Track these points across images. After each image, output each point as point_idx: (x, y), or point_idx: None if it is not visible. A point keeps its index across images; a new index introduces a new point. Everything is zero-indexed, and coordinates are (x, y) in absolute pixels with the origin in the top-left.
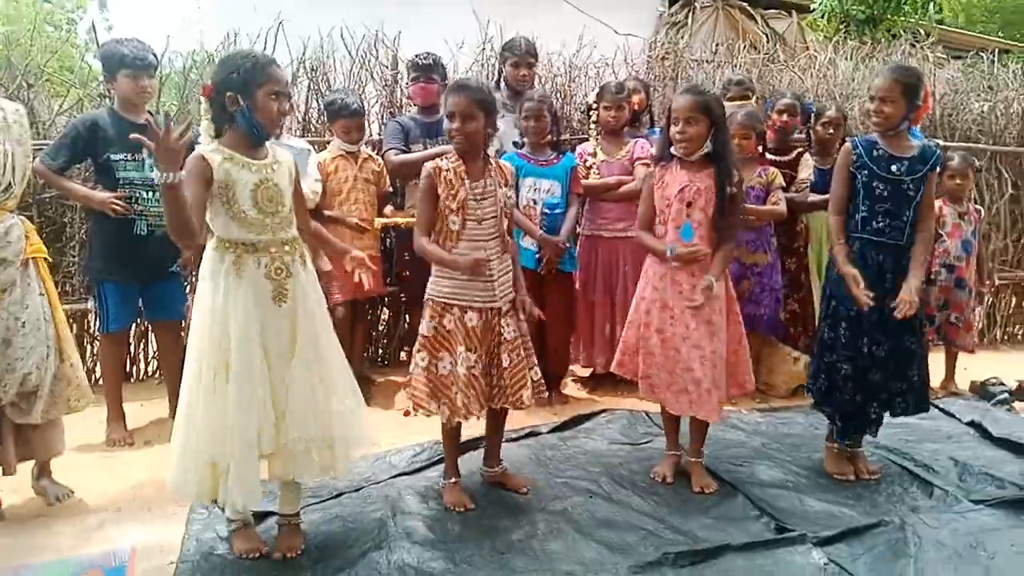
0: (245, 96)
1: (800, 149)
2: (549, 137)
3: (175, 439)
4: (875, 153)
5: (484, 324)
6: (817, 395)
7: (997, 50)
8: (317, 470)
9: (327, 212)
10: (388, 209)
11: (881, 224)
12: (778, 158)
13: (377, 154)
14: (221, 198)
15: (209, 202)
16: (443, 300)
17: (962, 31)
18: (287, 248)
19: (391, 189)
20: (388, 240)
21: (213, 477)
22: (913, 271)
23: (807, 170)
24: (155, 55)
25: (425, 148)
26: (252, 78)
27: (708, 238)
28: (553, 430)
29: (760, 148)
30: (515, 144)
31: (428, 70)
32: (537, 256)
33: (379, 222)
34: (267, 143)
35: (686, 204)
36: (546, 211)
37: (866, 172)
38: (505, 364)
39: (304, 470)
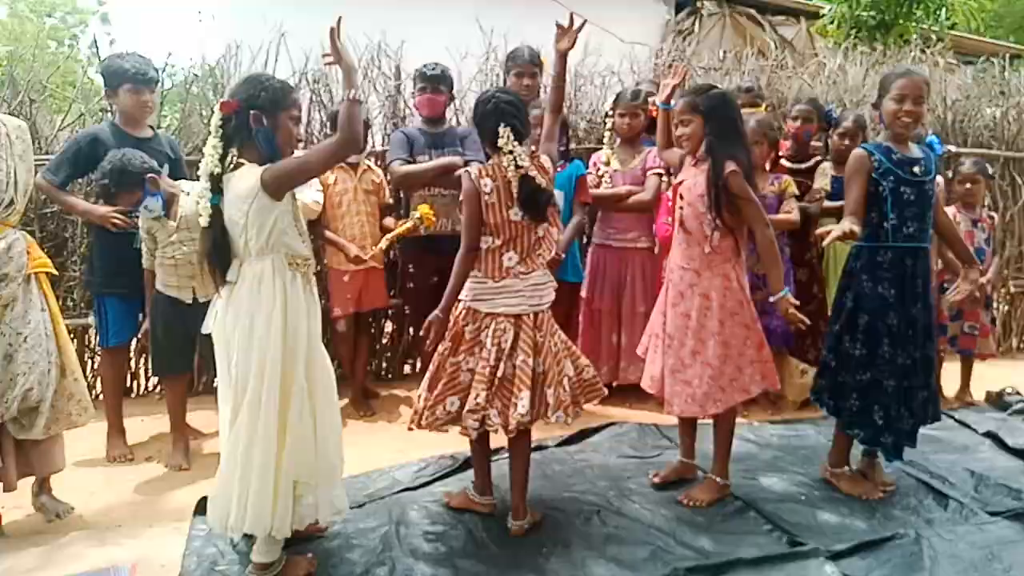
0: (269, 116)
1: (818, 157)
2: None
3: (253, 477)
4: (895, 157)
5: None
6: (849, 416)
7: (1008, 55)
8: None
9: (328, 234)
10: (389, 220)
11: (911, 229)
12: (795, 166)
13: (377, 164)
14: (292, 212)
15: (272, 217)
16: None
17: (973, 36)
18: None
19: (391, 200)
20: (392, 252)
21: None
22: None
23: (823, 179)
24: (156, 69)
25: (431, 159)
26: (278, 99)
27: (699, 233)
28: (561, 444)
29: (773, 155)
30: None
31: (436, 81)
32: None
33: (381, 246)
34: None
35: (679, 197)
36: None
37: (892, 178)
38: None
39: None
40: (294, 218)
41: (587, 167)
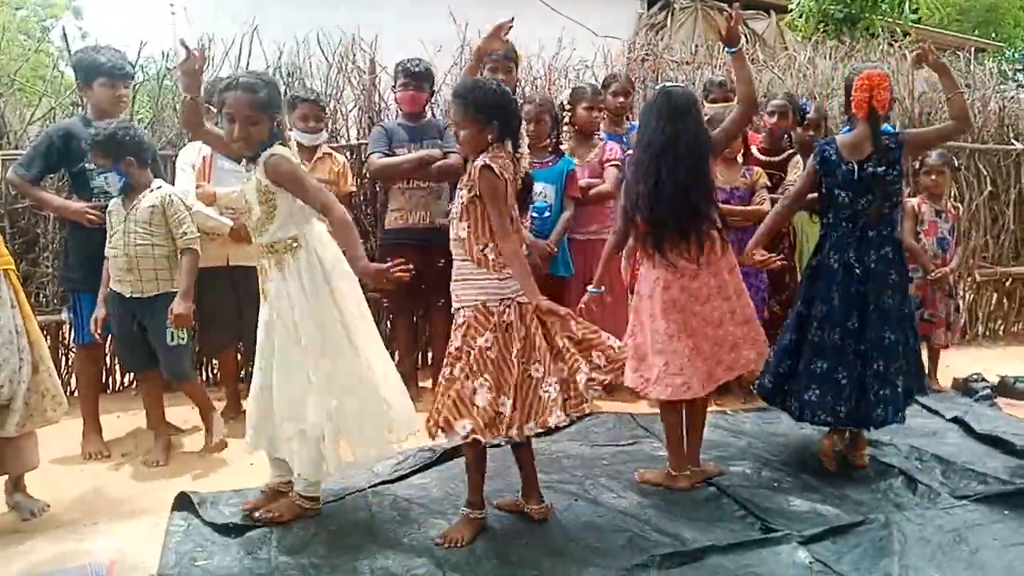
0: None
1: (791, 150)
2: (548, 140)
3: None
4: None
5: None
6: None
7: (974, 49)
8: None
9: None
10: None
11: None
12: (768, 159)
13: (351, 158)
14: None
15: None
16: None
17: (938, 30)
18: None
19: (353, 188)
20: (370, 245)
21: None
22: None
23: (796, 172)
24: (131, 64)
25: (410, 152)
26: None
27: None
28: (538, 434)
29: (744, 148)
30: None
31: (420, 78)
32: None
33: None
34: None
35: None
36: (534, 215)
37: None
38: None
39: None
40: None
41: None
